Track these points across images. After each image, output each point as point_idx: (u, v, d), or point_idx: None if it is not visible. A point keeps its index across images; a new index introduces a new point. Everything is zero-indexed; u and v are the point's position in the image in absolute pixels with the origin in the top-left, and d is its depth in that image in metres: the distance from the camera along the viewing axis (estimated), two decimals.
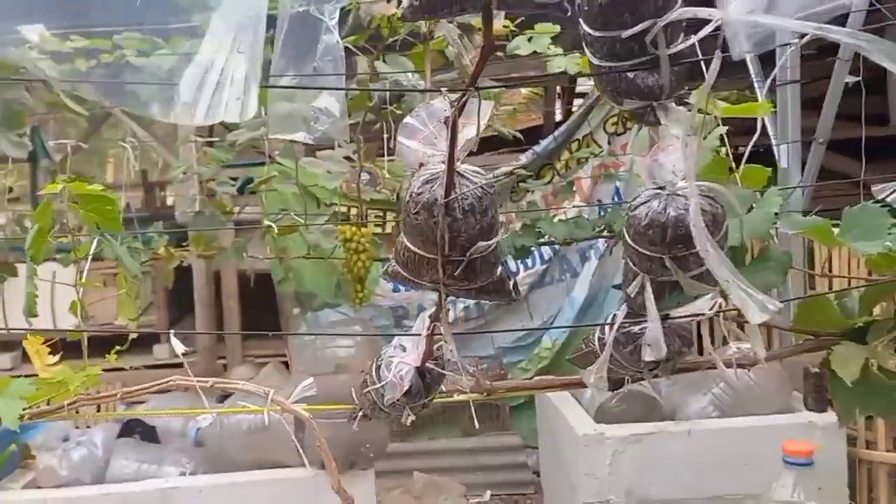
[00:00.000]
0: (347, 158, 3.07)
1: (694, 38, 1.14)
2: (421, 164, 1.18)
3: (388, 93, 2.94)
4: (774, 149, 2.99)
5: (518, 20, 3.19)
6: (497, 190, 1.24)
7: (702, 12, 1.12)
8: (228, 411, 2.27)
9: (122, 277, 1.97)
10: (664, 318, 1.46)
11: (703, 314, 1.49)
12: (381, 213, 4.08)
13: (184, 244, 3.04)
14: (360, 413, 1.60)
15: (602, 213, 3.91)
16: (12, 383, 1.44)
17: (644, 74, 1.14)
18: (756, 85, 2.91)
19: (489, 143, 4.13)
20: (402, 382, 1.42)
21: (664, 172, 1.26)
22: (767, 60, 3.06)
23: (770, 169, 1.78)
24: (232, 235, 3.22)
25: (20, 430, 2.80)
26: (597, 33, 1.13)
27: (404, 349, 1.43)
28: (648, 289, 1.29)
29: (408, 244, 1.24)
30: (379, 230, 3.99)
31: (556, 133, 4.06)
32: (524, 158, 3.99)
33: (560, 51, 3.20)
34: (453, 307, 4.13)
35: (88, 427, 3.14)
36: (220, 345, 4.20)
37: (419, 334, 1.41)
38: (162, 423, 3.20)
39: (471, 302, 3.96)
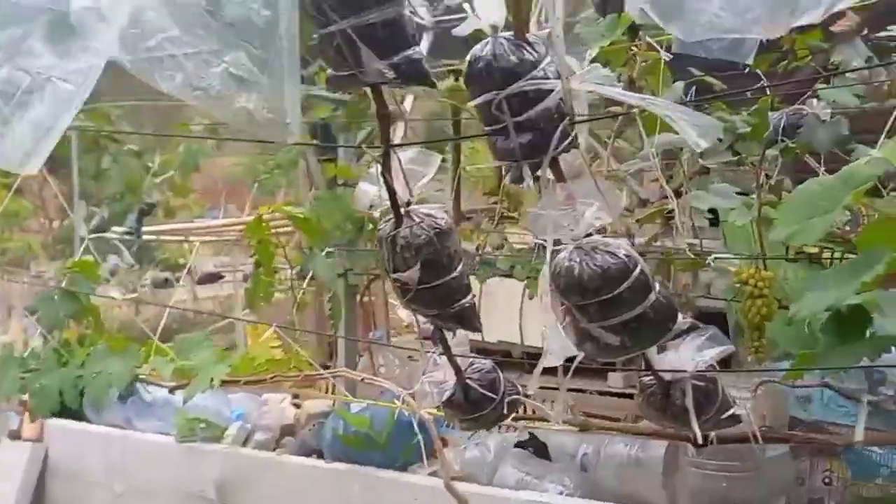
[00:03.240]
0: None
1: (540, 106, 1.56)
2: (371, 206, 1.79)
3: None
4: None
5: None
6: (450, 229, 1.76)
7: (545, 84, 1.56)
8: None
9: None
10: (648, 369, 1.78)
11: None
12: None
13: None
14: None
15: None
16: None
17: (502, 139, 1.58)
18: None
19: None
20: (432, 394, 1.99)
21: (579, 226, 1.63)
22: None
23: None
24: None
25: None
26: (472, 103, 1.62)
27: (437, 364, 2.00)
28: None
29: None
30: None
31: None
32: None
33: None
34: None
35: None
36: None
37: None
38: (556, 443, 3.94)
39: None
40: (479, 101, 1.53)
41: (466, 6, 1.49)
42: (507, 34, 1.50)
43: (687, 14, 1.18)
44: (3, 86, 1.27)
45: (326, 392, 4.94)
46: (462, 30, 1.50)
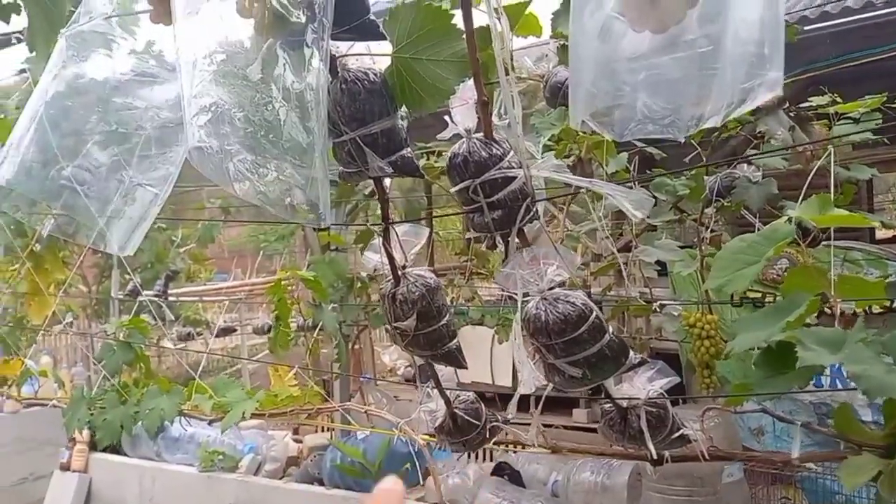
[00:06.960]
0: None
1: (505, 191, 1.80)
2: (375, 269, 2.03)
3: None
4: None
5: None
6: (437, 286, 2.00)
7: (510, 172, 1.81)
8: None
9: None
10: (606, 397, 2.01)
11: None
12: None
13: None
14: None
15: None
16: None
17: (478, 215, 1.83)
18: None
19: None
20: (427, 421, 2.21)
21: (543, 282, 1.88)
22: None
23: None
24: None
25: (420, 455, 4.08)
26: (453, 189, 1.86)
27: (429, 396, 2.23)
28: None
29: None
30: None
31: None
32: None
33: None
34: None
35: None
36: None
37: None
38: (529, 471, 4.14)
39: None
40: (459, 187, 1.78)
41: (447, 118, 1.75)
42: (478, 135, 1.76)
43: (617, 122, 1.44)
44: (106, 192, 1.53)
45: (323, 426, 5.18)
46: (444, 135, 1.76)
